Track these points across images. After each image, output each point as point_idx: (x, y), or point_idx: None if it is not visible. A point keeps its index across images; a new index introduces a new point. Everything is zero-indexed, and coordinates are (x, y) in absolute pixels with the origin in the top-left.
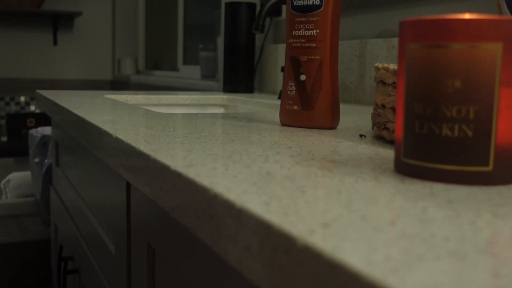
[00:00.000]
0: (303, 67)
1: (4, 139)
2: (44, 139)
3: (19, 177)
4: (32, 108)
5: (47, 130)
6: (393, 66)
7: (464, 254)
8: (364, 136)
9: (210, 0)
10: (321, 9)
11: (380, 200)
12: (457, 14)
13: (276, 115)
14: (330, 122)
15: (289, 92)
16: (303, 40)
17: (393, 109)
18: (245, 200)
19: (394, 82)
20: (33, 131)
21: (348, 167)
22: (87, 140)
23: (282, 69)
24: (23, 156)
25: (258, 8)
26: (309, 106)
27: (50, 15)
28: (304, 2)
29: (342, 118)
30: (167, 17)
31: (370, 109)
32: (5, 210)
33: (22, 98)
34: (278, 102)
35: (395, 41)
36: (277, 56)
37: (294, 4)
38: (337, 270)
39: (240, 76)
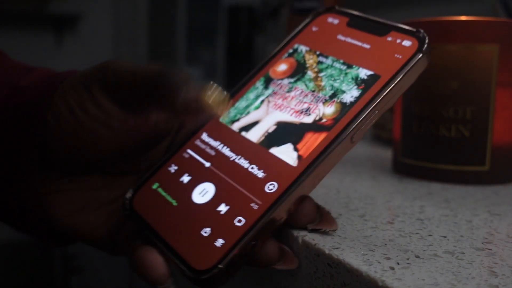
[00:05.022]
0: None
1: None
2: None
3: None
4: None
5: None
6: None
7: (461, 252)
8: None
9: (211, 1)
10: None
11: (379, 200)
12: (454, 16)
13: None
14: None
15: None
16: None
17: (391, 109)
18: None
19: None
20: None
21: (347, 166)
22: None
23: None
24: None
25: (258, 10)
26: None
27: (53, 17)
28: (304, 4)
29: None
30: (169, 18)
31: None
32: None
33: None
34: None
35: None
36: None
37: (294, 6)
38: (336, 269)
39: (240, 77)
